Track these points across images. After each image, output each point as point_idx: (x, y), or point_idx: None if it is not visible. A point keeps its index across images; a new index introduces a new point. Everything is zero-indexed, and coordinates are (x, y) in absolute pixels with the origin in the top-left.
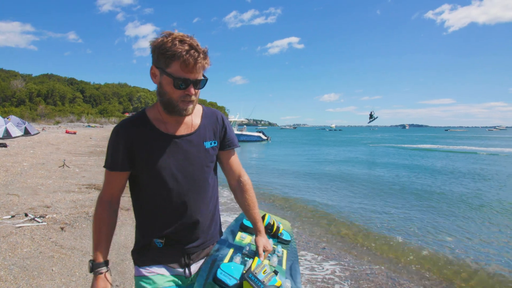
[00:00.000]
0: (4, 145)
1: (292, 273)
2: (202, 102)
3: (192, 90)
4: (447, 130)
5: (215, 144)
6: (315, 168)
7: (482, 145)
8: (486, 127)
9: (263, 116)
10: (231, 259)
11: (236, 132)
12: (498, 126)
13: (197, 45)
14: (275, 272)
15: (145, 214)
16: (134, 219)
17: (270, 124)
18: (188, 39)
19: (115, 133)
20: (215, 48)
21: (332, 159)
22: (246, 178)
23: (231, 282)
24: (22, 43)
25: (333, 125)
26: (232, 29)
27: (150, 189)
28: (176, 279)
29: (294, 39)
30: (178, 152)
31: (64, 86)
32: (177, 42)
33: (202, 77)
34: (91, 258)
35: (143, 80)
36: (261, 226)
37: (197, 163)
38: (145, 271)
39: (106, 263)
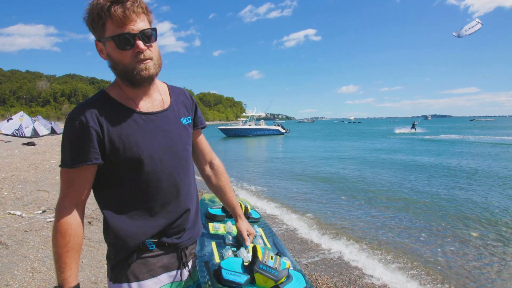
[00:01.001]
0: (33, 144)
1: (279, 248)
2: (219, 97)
3: (141, 44)
4: (472, 120)
5: (190, 121)
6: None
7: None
8: None
9: (280, 110)
10: (220, 255)
11: (253, 126)
12: None
13: None
14: (279, 254)
15: (128, 212)
16: (104, 242)
17: (287, 118)
18: None
19: (74, 120)
20: (231, 43)
21: (353, 156)
22: (218, 161)
23: (242, 279)
24: (46, 45)
25: (352, 118)
26: (247, 24)
27: (133, 179)
28: None
29: (310, 31)
30: (157, 130)
31: (86, 85)
32: (100, 1)
33: (148, 28)
34: (55, 285)
35: (161, 76)
36: (240, 210)
37: (179, 141)
38: (136, 287)
39: (77, 287)
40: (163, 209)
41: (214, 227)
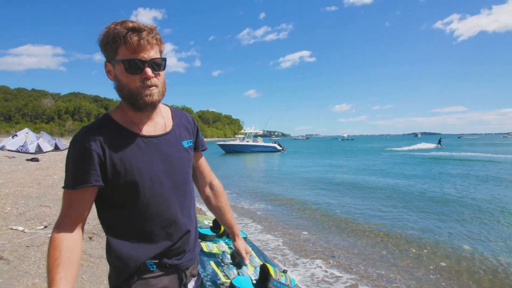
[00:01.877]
0: (36, 160)
1: (272, 264)
2: (218, 115)
3: (149, 71)
4: (459, 137)
5: (191, 144)
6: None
7: (495, 151)
8: (500, 133)
9: (276, 127)
10: (224, 273)
11: (251, 143)
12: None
13: (139, 23)
14: (285, 271)
15: (129, 234)
16: (105, 248)
17: (283, 135)
18: (127, 20)
19: (78, 143)
20: (230, 64)
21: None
22: (217, 182)
23: None
24: (53, 64)
25: (345, 135)
26: (245, 46)
27: (134, 201)
28: None
29: (305, 53)
30: (158, 153)
31: (89, 103)
32: (118, 26)
33: (159, 57)
34: None
35: (168, 94)
36: (238, 230)
37: (179, 164)
38: None
39: None
40: (163, 231)
41: (208, 247)
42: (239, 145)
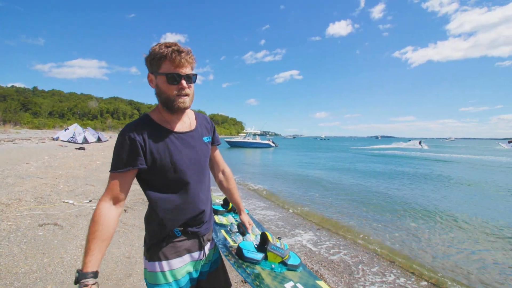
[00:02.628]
0: (83, 148)
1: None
2: (225, 118)
3: (184, 83)
4: (409, 140)
5: (210, 140)
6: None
7: (435, 151)
8: (440, 138)
9: (270, 128)
10: (232, 239)
11: (251, 140)
12: (448, 138)
13: (180, 46)
14: (280, 238)
15: (164, 207)
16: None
17: (275, 134)
18: (171, 43)
19: (125, 135)
20: (236, 78)
21: (324, 163)
22: (228, 170)
23: (258, 256)
24: (98, 74)
25: (323, 136)
26: (248, 64)
27: (167, 182)
28: (192, 266)
29: (294, 72)
30: (186, 146)
31: (125, 105)
32: (163, 46)
33: (191, 73)
34: (79, 268)
35: None
36: (243, 206)
37: (200, 155)
38: (166, 265)
39: (94, 274)
40: (188, 206)
41: (219, 219)
42: (241, 141)
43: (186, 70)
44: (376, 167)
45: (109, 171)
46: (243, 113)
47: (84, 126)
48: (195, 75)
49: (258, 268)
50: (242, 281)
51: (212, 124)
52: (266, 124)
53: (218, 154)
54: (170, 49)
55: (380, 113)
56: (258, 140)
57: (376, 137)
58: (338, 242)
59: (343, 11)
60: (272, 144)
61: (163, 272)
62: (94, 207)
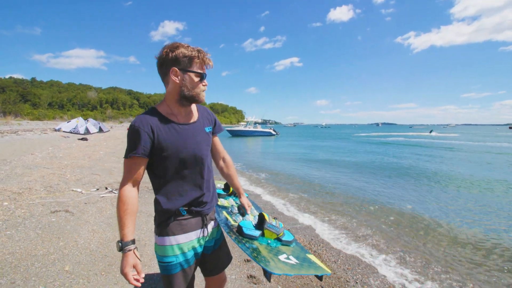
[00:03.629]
0: (86, 139)
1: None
2: (225, 107)
3: (206, 82)
4: (411, 127)
5: (211, 130)
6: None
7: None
8: (441, 124)
9: (271, 116)
10: (233, 219)
11: (252, 129)
12: (449, 124)
13: (204, 50)
14: (275, 218)
15: (170, 189)
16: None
17: (276, 122)
18: (196, 47)
19: (135, 127)
20: (236, 66)
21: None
22: (228, 157)
23: (256, 233)
24: (96, 64)
25: (324, 123)
26: (248, 52)
27: (173, 168)
28: (197, 242)
29: (295, 59)
30: (190, 136)
31: (124, 95)
32: (192, 49)
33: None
34: (118, 239)
35: None
36: (242, 190)
37: (204, 144)
38: (174, 239)
39: (133, 241)
40: (192, 188)
41: (221, 201)
42: (242, 130)
43: (207, 71)
44: (382, 158)
45: (124, 157)
46: (243, 101)
47: (84, 117)
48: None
49: (256, 243)
50: (245, 260)
51: (213, 115)
52: (266, 113)
53: (218, 143)
54: (201, 52)
55: (380, 100)
56: (259, 128)
57: (377, 124)
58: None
59: None
60: (273, 133)
61: (171, 245)
62: (101, 195)
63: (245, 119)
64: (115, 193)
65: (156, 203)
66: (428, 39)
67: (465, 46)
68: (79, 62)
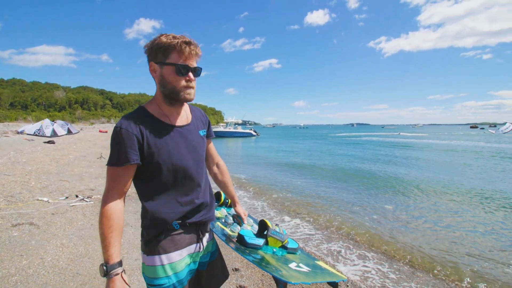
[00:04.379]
0: (53, 142)
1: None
2: (204, 107)
3: (192, 76)
4: (383, 127)
5: (205, 133)
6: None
7: (406, 136)
8: (410, 124)
9: (250, 117)
10: (230, 229)
11: (232, 130)
12: (417, 124)
13: (190, 38)
14: (277, 224)
15: (161, 201)
16: (141, 212)
17: (255, 123)
18: (180, 35)
19: (122, 128)
20: (214, 67)
21: (302, 148)
22: (222, 163)
23: (260, 242)
24: (65, 62)
25: (302, 124)
26: (227, 53)
27: (165, 176)
28: (191, 259)
29: (273, 61)
30: (184, 139)
31: (96, 95)
32: (171, 37)
33: (197, 66)
34: (102, 262)
35: None
36: (237, 198)
37: (198, 148)
38: (165, 258)
39: (120, 263)
40: (187, 199)
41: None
42: (222, 131)
43: (194, 63)
44: (354, 153)
45: (107, 165)
46: (223, 102)
47: (51, 118)
48: (201, 69)
49: (260, 253)
50: (233, 269)
51: (207, 117)
52: (246, 114)
53: (212, 147)
54: (179, 40)
55: (356, 102)
56: (240, 129)
57: (352, 125)
58: (319, 231)
59: (321, 0)
60: (254, 133)
61: (162, 266)
62: (71, 204)
63: (225, 120)
64: (87, 202)
65: (144, 216)
66: (397, 44)
67: (431, 51)
68: (46, 60)
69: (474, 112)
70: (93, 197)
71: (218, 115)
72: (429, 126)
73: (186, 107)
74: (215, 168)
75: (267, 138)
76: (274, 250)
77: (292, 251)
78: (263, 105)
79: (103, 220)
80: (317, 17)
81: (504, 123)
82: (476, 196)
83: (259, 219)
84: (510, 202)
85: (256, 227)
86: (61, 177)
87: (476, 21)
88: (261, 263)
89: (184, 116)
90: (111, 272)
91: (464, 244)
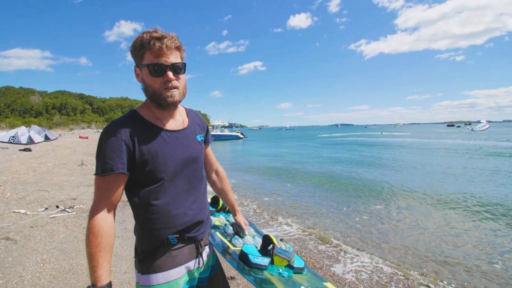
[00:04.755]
0: (29, 150)
1: (260, 233)
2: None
3: (170, 75)
4: (366, 127)
5: (203, 138)
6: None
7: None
8: (391, 124)
9: (236, 120)
10: (230, 242)
11: (219, 133)
12: (398, 124)
13: (163, 32)
14: (282, 239)
15: (156, 213)
16: (134, 225)
17: (241, 126)
18: (152, 30)
19: (111, 134)
20: (198, 70)
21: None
22: (221, 169)
23: (265, 261)
24: (41, 66)
25: (288, 126)
26: (211, 56)
27: (159, 185)
28: (190, 276)
29: (258, 63)
30: (179, 145)
31: (75, 100)
32: (143, 35)
33: (180, 63)
34: (89, 284)
35: (142, 94)
36: (237, 207)
37: (196, 155)
38: (162, 277)
39: (109, 285)
40: (184, 210)
41: (211, 219)
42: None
43: (172, 59)
44: (341, 155)
45: (95, 174)
46: (208, 105)
47: (27, 124)
48: (184, 64)
49: (266, 274)
50: (229, 277)
51: (205, 122)
52: (232, 116)
53: (211, 153)
54: (148, 35)
55: (339, 103)
56: (227, 132)
57: (337, 126)
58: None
59: (303, 4)
60: (241, 136)
61: (159, 285)
62: (51, 215)
63: (211, 123)
64: (68, 212)
65: (137, 231)
66: (377, 46)
67: (408, 53)
68: (19, 64)
69: (451, 111)
70: (75, 207)
71: (204, 118)
72: (409, 125)
73: (181, 110)
74: (214, 175)
75: (255, 140)
76: (280, 270)
77: (299, 271)
78: (249, 108)
79: (90, 237)
80: (300, 21)
81: (479, 122)
82: (471, 199)
83: (252, 221)
84: None
85: (258, 240)
86: (39, 186)
87: (448, 24)
88: (265, 286)
89: (180, 120)
90: None
91: (459, 248)
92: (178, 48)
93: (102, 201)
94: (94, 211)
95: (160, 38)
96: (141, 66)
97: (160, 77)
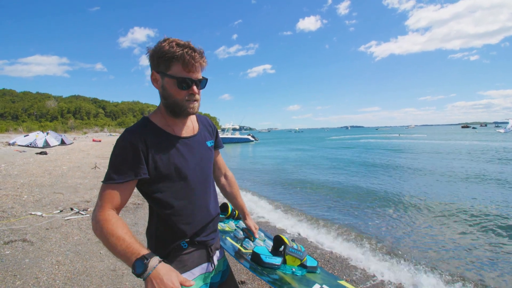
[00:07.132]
0: (45, 153)
1: (268, 236)
2: (199, 113)
3: (196, 89)
4: (377, 129)
5: (213, 144)
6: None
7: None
8: (403, 126)
9: (245, 122)
10: (242, 245)
11: (230, 135)
12: (410, 125)
13: (193, 46)
14: (294, 240)
15: (169, 218)
16: (147, 229)
17: (250, 128)
18: (183, 42)
19: (125, 141)
20: (208, 74)
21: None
22: (230, 174)
23: (277, 261)
24: (58, 72)
25: (297, 128)
26: (221, 59)
27: (172, 191)
28: (202, 280)
29: (267, 66)
30: (191, 152)
31: (89, 104)
32: (174, 45)
33: (202, 77)
34: (133, 259)
35: (152, 97)
36: (247, 210)
37: (206, 161)
38: None
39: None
40: (196, 215)
41: (221, 226)
42: (221, 137)
43: (198, 75)
44: (361, 159)
45: (103, 182)
46: (217, 108)
47: (42, 128)
48: (206, 79)
49: (279, 273)
50: (239, 281)
51: (214, 127)
52: (242, 119)
53: (220, 158)
54: (183, 50)
55: (349, 104)
56: (238, 135)
57: (346, 128)
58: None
59: (312, 7)
60: (252, 139)
61: None
62: (66, 218)
63: (221, 126)
64: (82, 214)
65: (150, 235)
66: (387, 48)
67: (419, 54)
68: (38, 70)
69: (465, 112)
70: (88, 210)
71: (213, 121)
72: (421, 127)
73: (192, 117)
74: (223, 180)
75: (266, 143)
76: (293, 269)
77: (312, 270)
78: (258, 110)
79: (102, 227)
80: (309, 23)
81: (507, 122)
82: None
83: (260, 225)
84: None
85: (269, 243)
86: (55, 189)
87: (461, 24)
88: (281, 284)
89: (191, 127)
90: (152, 259)
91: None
92: (204, 65)
93: (109, 206)
94: (99, 210)
95: (194, 55)
96: (166, 75)
97: (185, 90)
